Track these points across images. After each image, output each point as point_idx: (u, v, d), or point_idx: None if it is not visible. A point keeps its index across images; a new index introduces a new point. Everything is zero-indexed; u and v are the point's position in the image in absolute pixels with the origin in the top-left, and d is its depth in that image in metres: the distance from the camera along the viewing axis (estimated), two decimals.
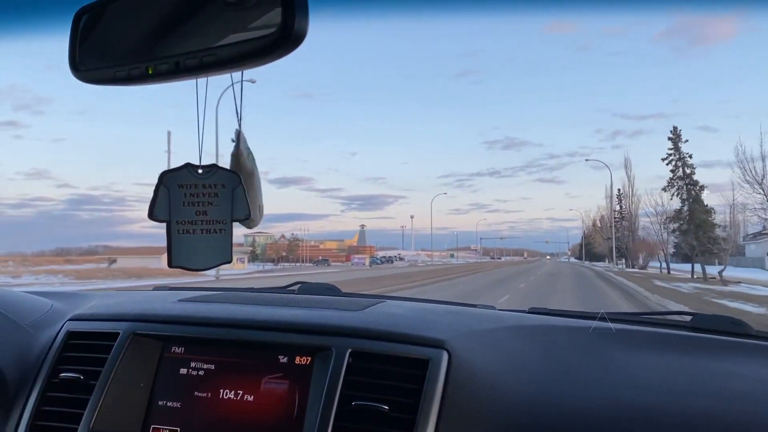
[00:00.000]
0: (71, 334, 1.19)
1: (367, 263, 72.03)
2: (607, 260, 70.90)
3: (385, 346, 1.05)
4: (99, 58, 0.94)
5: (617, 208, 54.88)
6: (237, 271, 40.95)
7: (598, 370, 1.08)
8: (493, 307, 1.47)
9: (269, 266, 65.39)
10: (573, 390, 1.02)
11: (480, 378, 1.03)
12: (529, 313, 1.41)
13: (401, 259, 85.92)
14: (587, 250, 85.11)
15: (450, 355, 1.03)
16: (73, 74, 0.94)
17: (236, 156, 1.08)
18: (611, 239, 50.18)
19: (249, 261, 71.26)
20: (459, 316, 1.25)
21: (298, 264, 78.41)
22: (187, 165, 1.06)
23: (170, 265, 1.05)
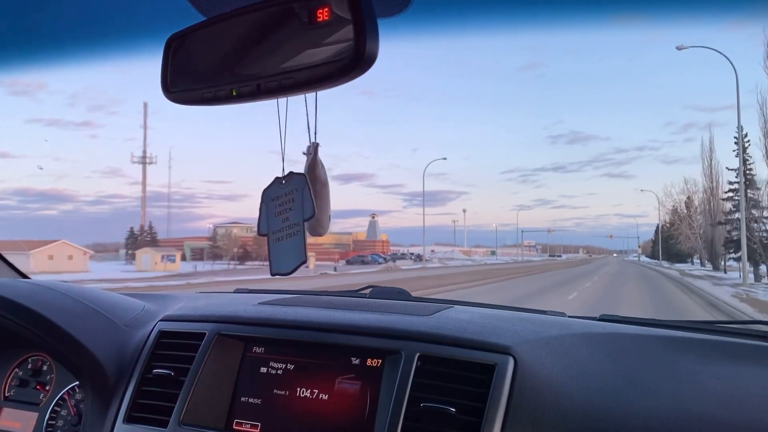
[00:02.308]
0: (162, 333, 1.29)
1: (340, 265, 51.63)
2: (693, 260, 55.36)
3: (453, 351, 1.08)
4: (187, 81, 1.02)
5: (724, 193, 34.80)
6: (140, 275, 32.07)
7: (667, 380, 1.07)
8: (563, 314, 1.47)
9: (207, 266, 50.20)
10: (640, 399, 1.02)
11: (546, 384, 1.04)
12: (599, 320, 1.40)
13: (419, 257, 67.51)
14: (665, 246, 62.96)
15: (516, 361, 1.05)
16: (165, 96, 1.03)
17: (312, 167, 1.15)
18: (725, 224, 32.40)
19: (193, 258, 60.90)
20: (526, 322, 1.27)
21: (249, 263, 57.36)
22: (276, 179, 1.13)
23: (272, 273, 1.12)
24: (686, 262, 59.17)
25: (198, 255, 65.79)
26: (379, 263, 53.91)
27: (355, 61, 0.84)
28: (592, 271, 32.81)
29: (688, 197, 50.48)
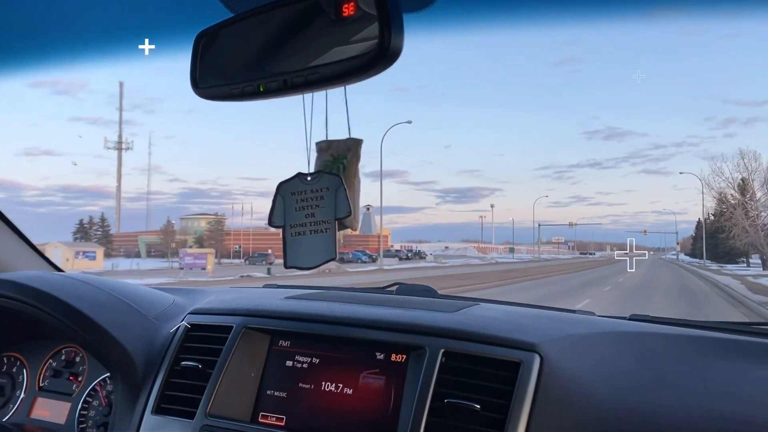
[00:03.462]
0: (191, 326, 1.31)
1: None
2: (749, 261, 41.93)
3: (478, 348, 1.08)
4: (216, 77, 1.04)
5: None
6: None
7: (697, 380, 1.05)
8: (592, 313, 1.45)
9: (141, 264, 41.46)
10: (669, 399, 1.00)
11: (572, 382, 1.04)
12: (629, 320, 1.39)
13: (417, 255, 60.89)
14: (711, 243, 48.01)
15: (542, 359, 1.05)
16: (194, 91, 1.05)
17: (355, 162, 1.18)
18: None
19: (154, 255, 53.13)
20: (554, 320, 1.26)
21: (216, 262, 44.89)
22: (298, 174, 1.15)
23: (286, 266, 1.15)
24: (738, 263, 44.55)
25: (159, 250, 56.47)
26: (363, 261, 47.48)
27: (380, 56, 0.84)
28: (606, 278, 25.39)
29: (743, 179, 39.29)
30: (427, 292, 1.62)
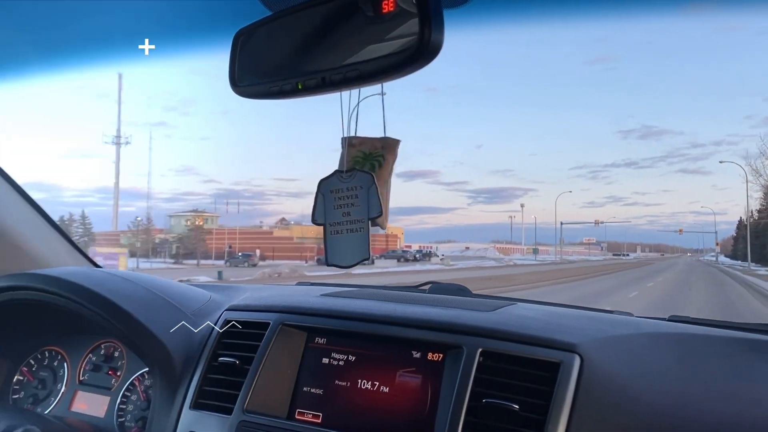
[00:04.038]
0: (228, 323, 1.32)
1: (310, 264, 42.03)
2: None
3: (516, 348, 1.07)
4: (254, 75, 1.04)
5: None
6: None
7: (742, 383, 1.02)
8: (630, 314, 1.43)
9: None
10: (713, 402, 0.98)
11: (613, 384, 1.02)
12: (669, 321, 1.36)
13: (432, 256, 55.81)
14: (758, 243, 41.74)
15: (582, 360, 1.03)
16: (233, 90, 1.05)
17: (392, 160, 1.17)
18: None
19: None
20: (593, 320, 1.24)
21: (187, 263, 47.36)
22: (336, 171, 1.15)
23: (327, 263, 1.14)
24: None
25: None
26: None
27: (420, 52, 0.84)
28: (631, 283, 22.58)
29: None
30: (461, 291, 1.61)
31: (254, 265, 41.09)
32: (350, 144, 1.19)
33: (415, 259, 52.77)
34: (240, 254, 48.53)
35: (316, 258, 47.21)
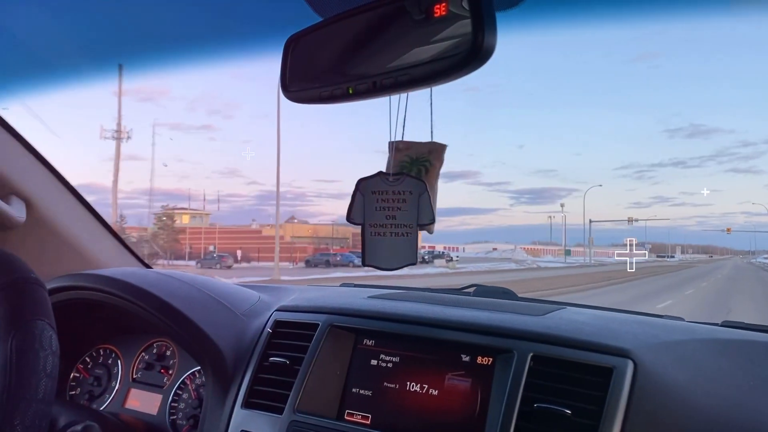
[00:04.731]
0: (278, 323, 1.34)
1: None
2: None
3: (567, 352, 1.06)
4: (305, 80, 1.06)
5: None
6: None
7: None
8: (681, 319, 1.40)
9: None
10: None
11: (668, 390, 1.00)
12: (722, 326, 1.33)
13: (446, 256, 49.35)
14: None
15: (635, 365, 1.01)
16: (284, 95, 1.07)
17: (438, 165, 1.17)
18: None
19: None
20: (645, 326, 1.22)
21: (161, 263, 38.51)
22: (380, 173, 1.15)
23: (364, 263, 1.15)
24: None
25: None
26: (356, 264, 36.95)
27: (473, 55, 0.83)
28: (666, 290, 18.24)
29: None
30: (506, 294, 1.60)
31: (228, 267, 37.42)
32: (397, 148, 1.19)
33: (424, 261, 45.08)
34: (214, 254, 42.64)
35: (305, 259, 42.80)
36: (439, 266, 39.62)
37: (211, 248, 49.34)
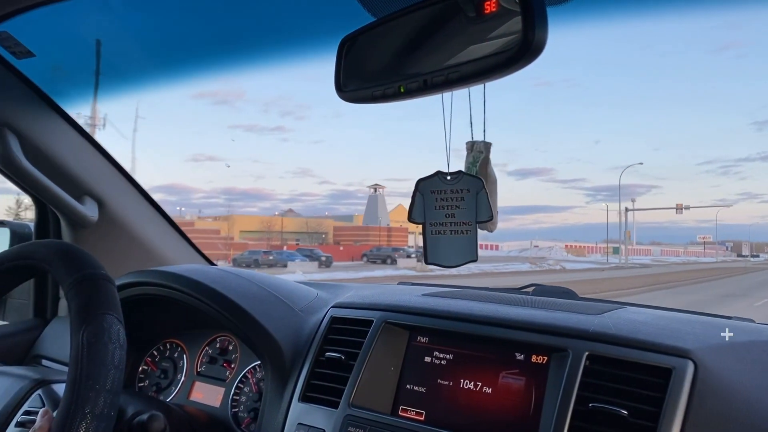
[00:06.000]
0: (334, 319, 1.37)
1: None
2: None
3: (624, 352, 1.03)
4: (358, 80, 1.07)
5: None
6: None
7: None
8: (751, 321, 1.34)
9: None
10: None
11: (731, 392, 0.96)
12: None
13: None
14: None
15: (696, 366, 0.98)
16: (338, 95, 1.09)
17: (485, 164, 1.17)
18: None
19: None
20: (709, 326, 1.17)
21: None
22: (438, 173, 1.16)
23: (426, 262, 1.17)
24: None
25: None
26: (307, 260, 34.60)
27: (523, 51, 0.83)
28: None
29: None
30: (566, 294, 1.57)
31: None
32: (467, 149, 1.21)
33: (384, 261, 39.24)
34: None
35: (232, 258, 36.04)
36: (403, 267, 32.24)
37: None
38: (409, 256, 38.53)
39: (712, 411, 0.94)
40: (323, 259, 37.09)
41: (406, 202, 1.21)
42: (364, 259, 39.58)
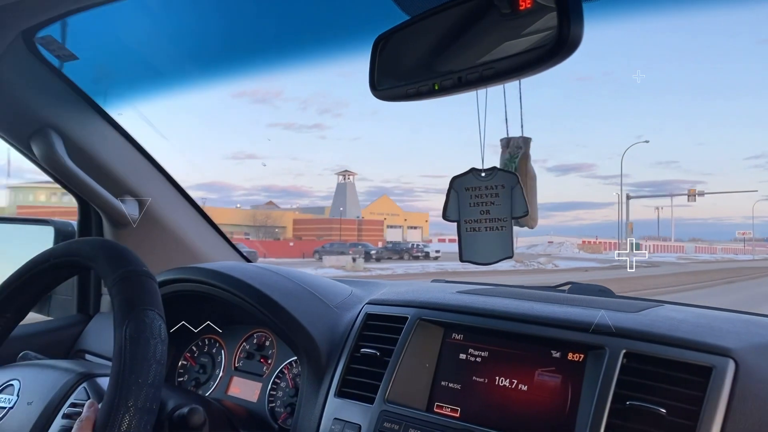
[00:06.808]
0: (369, 316, 1.38)
1: None
2: None
3: (662, 350, 1.02)
4: (393, 78, 1.08)
5: None
6: None
7: None
8: None
9: None
10: None
11: None
12: None
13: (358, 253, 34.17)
14: None
15: (737, 365, 0.96)
16: (373, 93, 1.10)
17: (524, 160, 1.16)
18: None
19: None
20: (751, 325, 1.15)
21: None
22: (472, 170, 1.16)
23: (461, 259, 1.17)
24: None
25: None
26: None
27: (558, 47, 0.83)
28: None
29: None
30: (603, 292, 1.55)
31: None
32: (502, 146, 1.21)
33: (428, 256, 36.56)
34: None
35: None
36: (329, 266, 26.37)
37: None
38: (368, 253, 35.59)
39: (753, 411, 0.92)
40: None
41: (441, 199, 1.21)
42: (316, 255, 35.79)
